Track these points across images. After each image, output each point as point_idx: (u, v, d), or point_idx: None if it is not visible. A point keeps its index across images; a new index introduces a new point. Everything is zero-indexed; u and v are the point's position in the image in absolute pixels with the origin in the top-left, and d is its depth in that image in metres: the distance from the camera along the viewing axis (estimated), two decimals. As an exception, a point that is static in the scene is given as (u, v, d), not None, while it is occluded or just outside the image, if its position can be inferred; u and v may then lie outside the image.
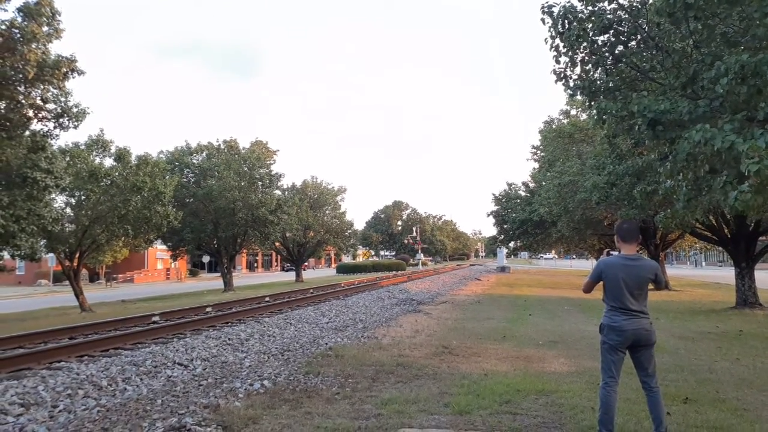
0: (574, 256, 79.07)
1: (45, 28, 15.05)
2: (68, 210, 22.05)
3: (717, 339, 10.18)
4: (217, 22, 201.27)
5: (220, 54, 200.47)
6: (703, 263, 71.44)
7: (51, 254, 25.30)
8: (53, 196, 18.60)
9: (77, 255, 22.34)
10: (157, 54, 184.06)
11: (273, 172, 35.80)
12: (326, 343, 9.64)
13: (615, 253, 4.56)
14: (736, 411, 5.33)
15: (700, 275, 42.62)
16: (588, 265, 57.02)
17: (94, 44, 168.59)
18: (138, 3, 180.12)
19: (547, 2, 9.15)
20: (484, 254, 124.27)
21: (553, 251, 72.21)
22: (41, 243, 20.80)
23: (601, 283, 4.44)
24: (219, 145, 34.85)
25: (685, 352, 8.66)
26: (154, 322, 12.52)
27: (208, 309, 15.22)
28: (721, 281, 31.00)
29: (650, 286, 4.46)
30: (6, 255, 17.69)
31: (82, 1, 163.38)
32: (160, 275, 60.14)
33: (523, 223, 36.11)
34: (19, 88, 14.59)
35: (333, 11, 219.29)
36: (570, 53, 9.34)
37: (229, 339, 9.73)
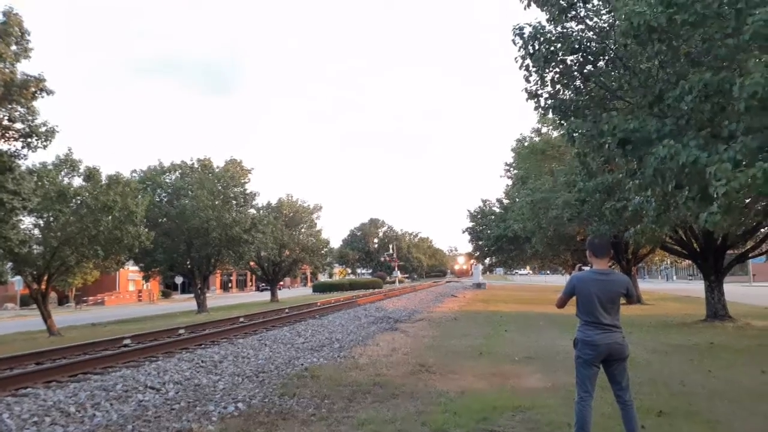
0: (549, 272, 79.88)
1: (13, 47, 14.85)
2: (36, 231, 21.52)
3: (689, 352, 10.34)
4: (194, 36, 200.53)
5: (197, 71, 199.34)
6: (674, 277, 72.78)
7: (18, 277, 24.64)
8: (21, 217, 18.16)
9: (45, 277, 21.76)
10: (132, 72, 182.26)
11: (248, 191, 35.55)
12: (302, 364, 9.52)
13: (587, 268, 4.62)
14: (708, 423, 5.41)
15: (671, 289, 43.38)
16: (562, 280, 57.61)
17: (64, 62, 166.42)
18: (109, 21, 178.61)
19: (518, 24, 9.38)
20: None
21: (528, 267, 72.89)
22: (8, 265, 20.26)
23: (575, 298, 4.50)
24: (193, 163, 34.52)
25: (658, 366, 8.77)
26: (125, 346, 12.24)
27: (181, 331, 14.94)
28: (691, 294, 31.56)
29: (622, 301, 4.53)
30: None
31: (50, 19, 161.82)
32: (132, 297, 58.92)
33: (498, 239, 36.49)
34: (-15, 108, 14.33)
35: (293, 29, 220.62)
36: (540, 72, 9.56)
37: (202, 361, 9.55)
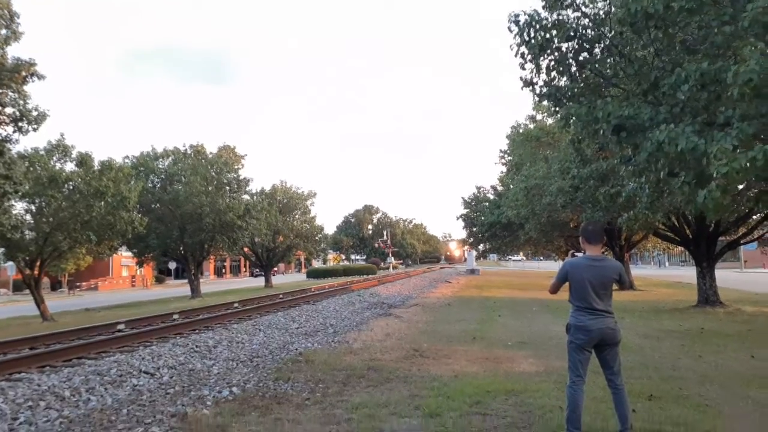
0: (542, 258, 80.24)
1: (3, 31, 14.66)
2: (28, 217, 21.40)
3: (680, 337, 10.45)
4: (192, 27, 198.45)
5: (193, 59, 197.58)
6: (666, 263, 73.24)
7: (10, 262, 24.54)
8: (12, 202, 18.03)
9: (38, 263, 21.67)
10: (130, 58, 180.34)
11: (241, 177, 35.40)
12: (296, 349, 9.57)
13: (580, 254, 4.65)
14: (698, 407, 5.48)
15: (663, 275, 43.70)
16: (555, 266, 57.88)
17: (56, 48, 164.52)
18: (109, 6, 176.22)
19: (513, 12, 9.34)
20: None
21: (521, 253, 73.19)
22: (0, 251, 20.16)
23: (567, 283, 4.53)
24: (186, 149, 34.32)
25: (649, 351, 8.86)
26: (119, 331, 12.24)
27: (175, 316, 14.95)
28: (683, 280, 31.79)
29: (615, 286, 4.56)
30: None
31: (47, 5, 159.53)
32: (126, 282, 58.83)
33: (492, 225, 36.59)
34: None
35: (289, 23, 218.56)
36: (535, 60, 9.53)
37: (196, 346, 9.57)
